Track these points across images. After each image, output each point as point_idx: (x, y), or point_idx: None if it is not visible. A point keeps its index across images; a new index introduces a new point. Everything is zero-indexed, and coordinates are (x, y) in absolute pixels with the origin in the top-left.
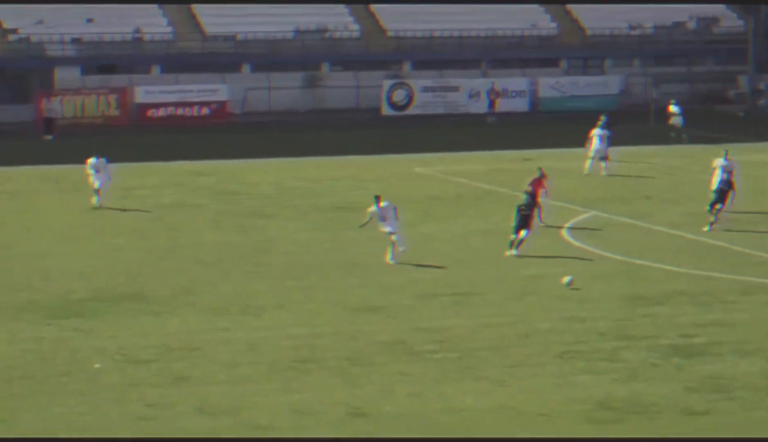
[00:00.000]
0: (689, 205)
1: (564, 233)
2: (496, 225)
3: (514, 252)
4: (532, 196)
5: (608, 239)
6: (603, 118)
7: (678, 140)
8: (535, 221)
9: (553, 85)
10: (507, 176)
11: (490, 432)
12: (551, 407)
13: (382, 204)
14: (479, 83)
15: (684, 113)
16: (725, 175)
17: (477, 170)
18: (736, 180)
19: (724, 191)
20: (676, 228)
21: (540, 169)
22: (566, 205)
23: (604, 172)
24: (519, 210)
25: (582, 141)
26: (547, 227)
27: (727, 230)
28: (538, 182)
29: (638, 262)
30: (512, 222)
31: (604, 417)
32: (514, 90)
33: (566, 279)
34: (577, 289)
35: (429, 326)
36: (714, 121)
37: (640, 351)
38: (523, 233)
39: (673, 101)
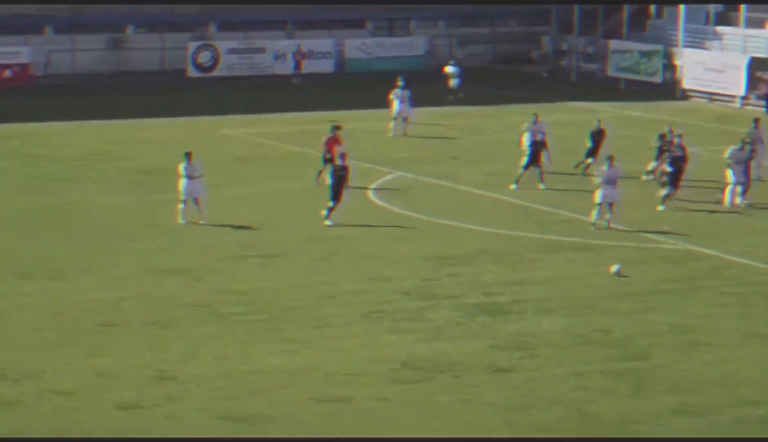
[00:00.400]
0: (494, 165)
1: (370, 193)
2: (303, 186)
3: (328, 223)
4: (331, 154)
5: (414, 199)
6: (401, 81)
7: (455, 102)
8: (346, 189)
9: (359, 46)
10: (313, 137)
11: (297, 393)
12: (357, 367)
13: (192, 162)
14: (285, 45)
15: (462, 74)
16: (539, 136)
17: (283, 132)
18: (549, 142)
19: (537, 152)
20: (480, 188)
21: (332, 127)
22: (372, 166)
23: (405, 133)
24: (334, 172)
25: (387, 102)
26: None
27: (532, 189)
28: (333, 140)
29: (443, 222)
30: (329, 182)
31: (410, 376)
32: (320, 51)
33: (614, 268)
34: (383, 249)
35: (236, 288)
36: (518, 81)
37: (445, 310)
38: (331, 203)
39: (451, 62)
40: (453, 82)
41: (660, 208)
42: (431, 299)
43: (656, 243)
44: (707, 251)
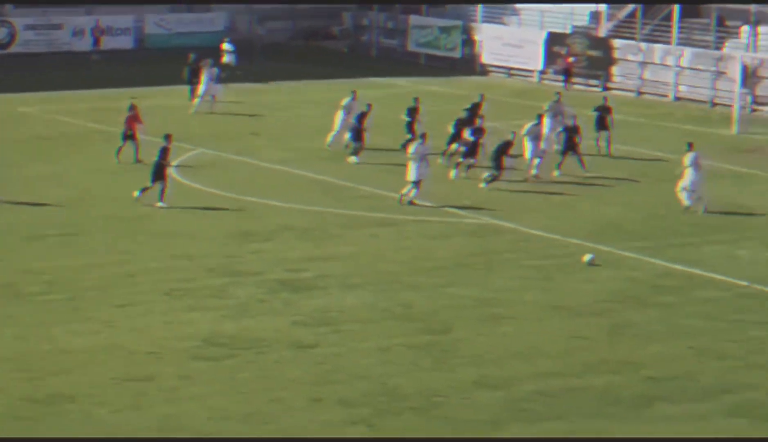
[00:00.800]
0: (296, 142)
1: (171, 171)
2: (103, 164)
3: (160, 204)
4: (132, 131)
5: (216, 176)
6: (194, 57)
7: (233, 79)
8: (170, 171)
9: (158, 22)
10: (113, 114)
11: (99, 372)
12: (160, 345)
13: None
14: (83, 21)
15: (237, 51)
16: (366, 108)
17: (83, 109)
18: (369, 118)
19: (358, 129)
20: (283, 164)
21: (131, 104)
22: (174, 143)
23: (212, 110)
24: (160, 153)
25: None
26: (143, 163)
27: (339, 164)
28: (133, 118)
29: (246, 198)
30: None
31: (213, 353)
32: (119, 27)
33: (587, 257)
34: (186, 226)
35: (36, 267)
36: (319, 57)
37: (248, 287)
38: (158, 185)
39: (226, 39)
40: (228, 59)
41: (455, 173)
42: (234, 276)
43: (459, 218)
44: (508, 225)
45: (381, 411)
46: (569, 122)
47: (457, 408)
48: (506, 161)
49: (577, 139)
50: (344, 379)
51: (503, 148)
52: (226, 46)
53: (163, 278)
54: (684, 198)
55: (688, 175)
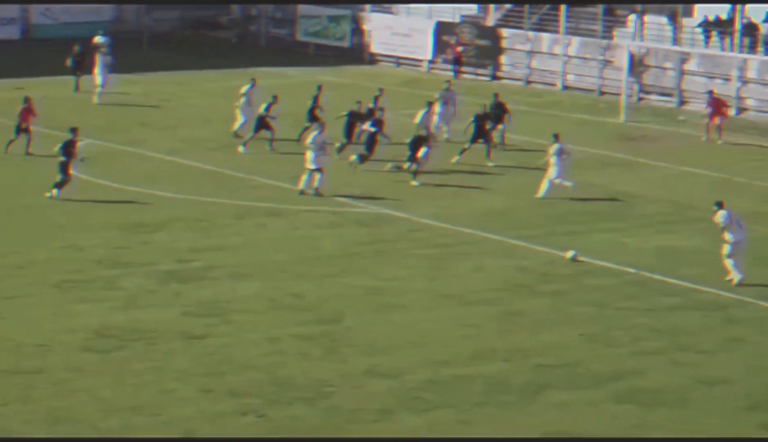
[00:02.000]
0: (184, 132)
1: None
2: None
3: (54, 193)
4: (26, 123)
5: (104, 166)
6: (80, 48)
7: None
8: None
9: (44, 12)
10: (0, 106)
11: None
12: (49, 338)
13: None
14: None
15: (112, 44)
16: (271, 100)
17: None
18: (275, 108)
19: (262, 117)
20: (172, 154)
21: (25, 97)
22: (60, 133)
23: (96, 100)
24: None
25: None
26: (33, 155)
27: (230, 154)
28: (27, 110)
29: (135, 189)
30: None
31: (103, 345)
32: (5, 17)
33: (570, 254)
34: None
35: None
36: (207, 47)
37: (137, 278)
38: (58, 177)
39: (100, 32)
40: (102, 51)
41: (353, 158)
42: (124, 267)
43: (349, 207)
44: (399, 214)
45: (271, 401)
46: (479, 110)
47: (347, 398)
48: (422, 153)
49: (488, 126)
50: (234, 369)
51: (417, 143)
52: (98, 39)
53: (52, 269)
54: (543, 189)
55: (553, 167)
